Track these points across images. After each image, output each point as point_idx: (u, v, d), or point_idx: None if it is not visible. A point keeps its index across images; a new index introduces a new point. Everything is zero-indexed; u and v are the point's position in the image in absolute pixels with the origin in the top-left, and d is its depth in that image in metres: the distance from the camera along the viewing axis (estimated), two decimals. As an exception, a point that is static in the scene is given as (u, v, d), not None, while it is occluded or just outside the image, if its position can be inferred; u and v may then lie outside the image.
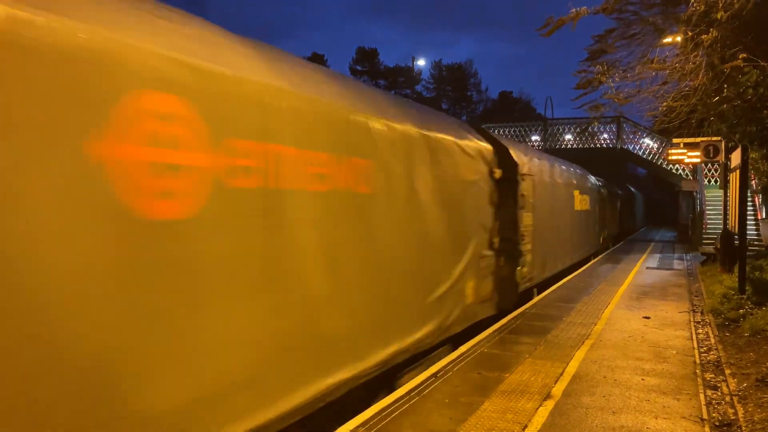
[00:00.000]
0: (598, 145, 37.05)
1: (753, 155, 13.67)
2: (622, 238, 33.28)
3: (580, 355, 8.19)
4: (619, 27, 10.46)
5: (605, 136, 36.90)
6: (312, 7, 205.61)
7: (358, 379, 5.81)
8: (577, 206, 19.27)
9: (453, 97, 79.94)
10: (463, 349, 8.38)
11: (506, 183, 10.61)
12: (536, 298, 12.83)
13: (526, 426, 5.58)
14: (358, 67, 76.38)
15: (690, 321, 10.71)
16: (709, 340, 9.35)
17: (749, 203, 21.73)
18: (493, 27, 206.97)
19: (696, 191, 28.44)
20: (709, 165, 27.31)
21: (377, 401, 6.24)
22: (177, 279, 3.74)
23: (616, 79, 10.73)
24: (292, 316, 4.81)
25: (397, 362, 6.78)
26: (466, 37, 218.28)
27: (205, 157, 3.96)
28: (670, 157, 24.92)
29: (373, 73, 75.96)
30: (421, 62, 75.85)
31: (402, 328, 6.82)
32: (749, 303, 11.28)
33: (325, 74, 6.21)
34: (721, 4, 7.92)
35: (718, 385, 7.16)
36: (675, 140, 22.47)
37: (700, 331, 10.01)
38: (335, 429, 5.40)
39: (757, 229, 22.28)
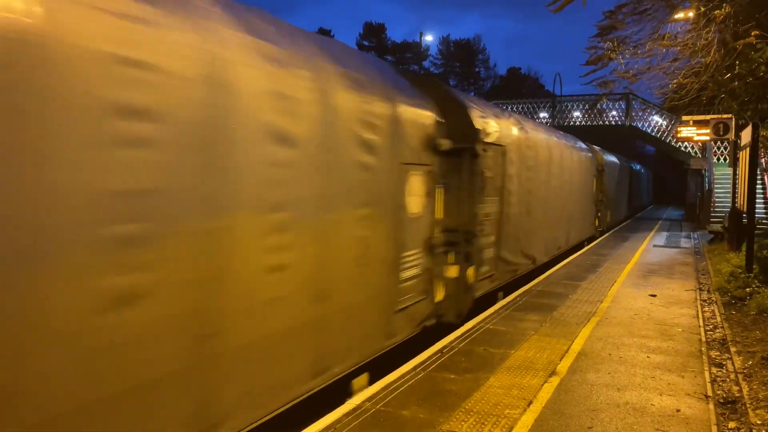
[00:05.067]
0: (607, 123, 36.78)
1: (764, 133, 13.53)
2: (630, 217, 33.19)
3: (585, 332, 8.22)
4: (630, 2, 10.32)
5: (614, 113, 36.59)
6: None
7: None
8: (570, 187, 16.29)
9: (461, 73, 79.27)
10: (468, 325, 8.43)
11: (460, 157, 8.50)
12: (542, 276, 12.85)
13: (531, 402, 5.63)
14: (366, 43, 75.76)
15: (696, 299, 10.71)
16: (715, 319, 9.36)
17: (758, 182, 21.60)
18: (502, 3, 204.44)
19: (704, 169, 28.25)
20: (719, 143, 27.10)
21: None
22: None
23: (626, 56, 10.63)
24: None
25: None
26: (473, 13, 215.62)
27: None
28: (679, 135, 24.71)
29: (381, 48, 75.36)
30: (429, 38, 75.26)
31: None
32: (756, 282, 11.27)
33: None
34: (735, -21, 7.80)
35: (724, 363, 7.19)
36: (685, 118, 22.28)
37: (707, 309, 10.02)
38: (343, 403, 5.48)
39: (765, 208, 22.15)
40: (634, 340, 7.89)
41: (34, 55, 2.88)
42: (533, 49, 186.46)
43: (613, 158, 26.20)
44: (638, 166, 39.24)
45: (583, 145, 19.41)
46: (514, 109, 38.25)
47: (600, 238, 21.10)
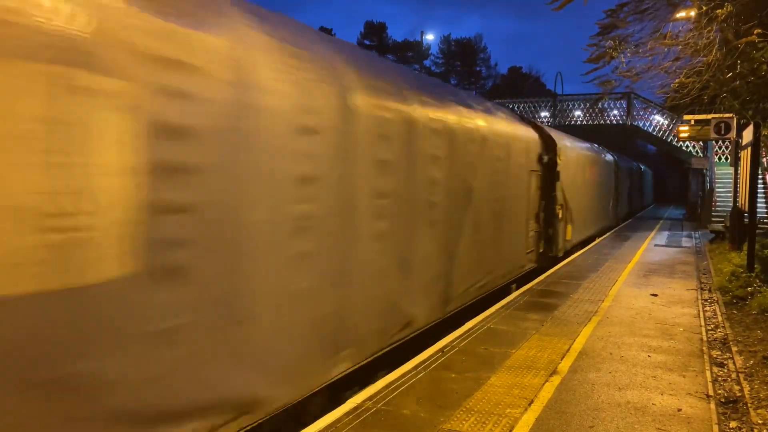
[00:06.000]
0: (608, 122, 36.75)
1: (765, 132, 13.53)
2: (631, 216, 33.16)
3: (587, 331, 8.22)
4: (632, 1, 10.30)
5: (615, 112, 36.57)
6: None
7: None
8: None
9: (462, 72, 79.24)
10: (470, 324, 8.42)
11: None
12: (543, 275, 12.83)
13: (532, 401, 5.62)
14: (367, 42, 75.72)
15: (697, 299, 10.70)
16: (717, 318, 9.35)
17: (760, 181, 21.58)
18: (503, 2, 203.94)
19: (706, 169, 28.22)
20: (720, 142, 27.08)
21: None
22: None
23: (628, 55, 10.62)
24: None
25: None
26: (474, 12, 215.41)
27: None
28: (680, 134, 24.67)
29: (382, 47, 75.32)
30: (429, 37, 75.25)
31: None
32: (757, 281, 11.27)
33: None
34: (736, -22, 7.79)
35: (725, 362, 7.18)
36: (686, 117, 22.25)
37: (708, 308, 10.01)
38: (344, 402, 5.47)
39: (767, 207, 22.14)
40: (635, 340, 7.88)
41: None
42: (534, 48, 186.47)
43: (583, 147, 18.38)
44: (637, 165, 39.15)
45: (518, 122, 12.27)
46: (516, 108, 38.19)
47: (601, 237, 20.42)
